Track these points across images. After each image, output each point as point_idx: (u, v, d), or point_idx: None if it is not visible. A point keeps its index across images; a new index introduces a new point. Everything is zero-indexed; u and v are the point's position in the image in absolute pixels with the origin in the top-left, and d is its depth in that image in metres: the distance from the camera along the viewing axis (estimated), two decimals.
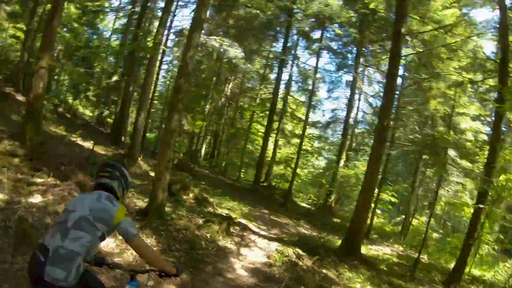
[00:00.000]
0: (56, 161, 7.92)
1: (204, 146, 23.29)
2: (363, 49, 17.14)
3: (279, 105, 18.61)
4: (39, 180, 6.78)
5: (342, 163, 16.85)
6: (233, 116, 22.45)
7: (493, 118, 9.31)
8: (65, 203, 6.17)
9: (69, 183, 7.21)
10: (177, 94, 6.77)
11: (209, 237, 6.84)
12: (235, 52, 13.62)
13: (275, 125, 18.70)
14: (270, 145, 19.88)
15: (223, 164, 22.68)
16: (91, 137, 13.33)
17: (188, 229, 6.68)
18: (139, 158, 11.94)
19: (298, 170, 17.10)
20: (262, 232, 8.74)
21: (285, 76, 19.39)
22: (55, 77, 20.81)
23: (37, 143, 8.21)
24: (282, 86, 18.44)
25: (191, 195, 10.14)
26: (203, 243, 6.45)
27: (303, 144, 17.46)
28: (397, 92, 12.44)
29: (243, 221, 9.22)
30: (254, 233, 8.31)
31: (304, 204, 18.18)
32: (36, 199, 5.98)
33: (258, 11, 16.30)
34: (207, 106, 21.82)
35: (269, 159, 19.22)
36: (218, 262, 5.85)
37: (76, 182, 7.30)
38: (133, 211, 6.80)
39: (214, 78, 21.23)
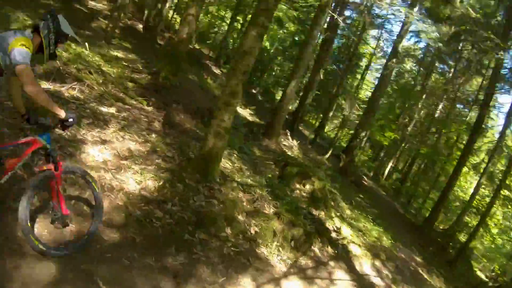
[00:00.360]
0: (172, 99, 7.54)
1: (390, 164, 18.86)
2: None
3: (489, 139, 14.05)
4: (134, 103, 6.46)
5: None
6: (435, 141, 17.13)
7: None
8: (131, 129, 5.38)
9: (159, 113, 6.57)
10: (261, 3, 4.49)
11: (251, 232, 4.23)
12: (425, 27, 9.51)
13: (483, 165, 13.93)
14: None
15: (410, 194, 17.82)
16: (260, 112, 13.12)
17: (227, 205, 4.32)
18: (281, 133, 10.25)
19: (494, 229, 11.63)
20: (372, 278, 4.92)
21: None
22: (273, 73, 22.78)
23: (172, 82, 8.20)
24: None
25: (307, 186, 7.50)
26: (230, 232, 3.96)
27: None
28: None
29: (358, 250, 5.65)
30: (352, 271, 4.75)
31: (481, 274, 14.06)
32: (110, 110, 5.50)
33: (478, 15, 11.41)
34: (408, 123, 17.67)
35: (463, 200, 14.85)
36: (216, 266, 3.24)
37: (168, 117, 6.54)
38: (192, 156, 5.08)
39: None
